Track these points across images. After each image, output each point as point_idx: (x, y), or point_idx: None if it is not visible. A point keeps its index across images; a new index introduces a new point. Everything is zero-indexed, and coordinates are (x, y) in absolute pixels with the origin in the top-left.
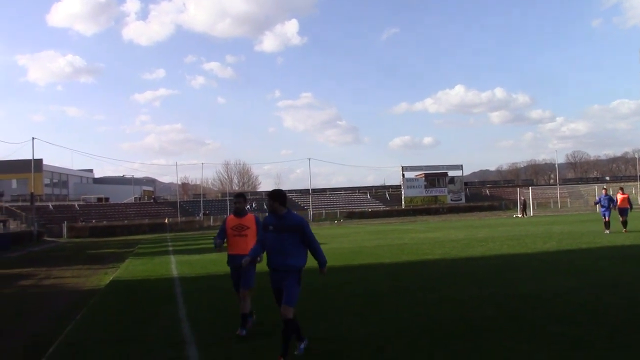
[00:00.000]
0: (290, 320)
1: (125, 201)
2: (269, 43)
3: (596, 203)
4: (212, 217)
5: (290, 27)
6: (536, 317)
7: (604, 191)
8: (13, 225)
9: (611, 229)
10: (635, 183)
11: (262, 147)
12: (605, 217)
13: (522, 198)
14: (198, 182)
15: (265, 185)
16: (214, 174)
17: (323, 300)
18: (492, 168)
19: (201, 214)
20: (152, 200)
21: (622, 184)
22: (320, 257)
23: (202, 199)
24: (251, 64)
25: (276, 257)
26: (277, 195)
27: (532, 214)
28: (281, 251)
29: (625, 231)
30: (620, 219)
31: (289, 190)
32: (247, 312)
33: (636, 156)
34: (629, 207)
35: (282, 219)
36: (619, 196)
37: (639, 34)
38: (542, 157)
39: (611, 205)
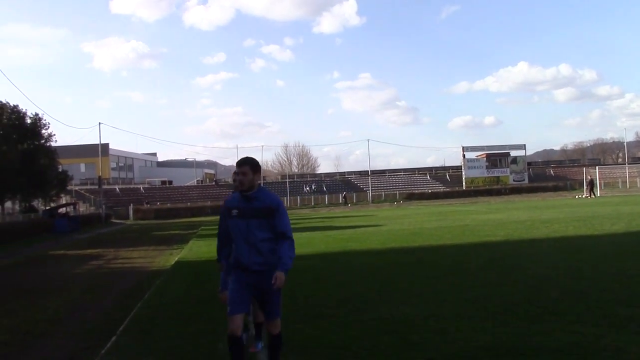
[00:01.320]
0: (279, 334)
1: (187, 184)
2: (327, 24)
3: None
4: None
5: (349, 8)
6: (604, 299)
7: None
8: (82, 208)
9: None
10: None
11: (321, 129)
12: None
13: (589, 177)
14: None
15: (325, 167)
16: (274, 156)
17: (384, 282)
18: (557, 147)
19: None
20: (213, 183)
21: None
22: (283, 256)
23: (262, 182)
24: (309, 45)
25: (246, 253)
26: (249, 163)
27: (599, 194)
28: (253, 245)
29: None
30: None
31: (348, 172)
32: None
33: None
34: None
35: (251, 201)
36: None
37: None
38: (609, 135)
39: None
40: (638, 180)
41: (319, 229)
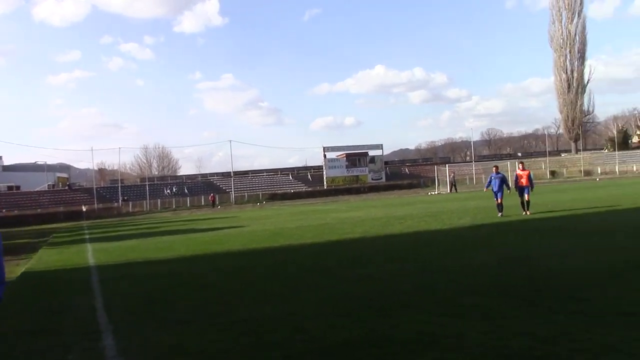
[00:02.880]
0: None
1: (38, 189)
2: (188, 23)
3: (488, 186)
4: (131, 203)
5: (211, 7)
6: (451, 290)
7: (494, 169)
8: None
9: (504, 213)
10: (545, 158)
11: (183, 130)
12: (497, 199)
13: (452, 175)
14: (116, 168)
15: (186, 169)
16: (133, 158)
17: (245, 283)
18: (412, 147)
19: (120, 200)
20: (67, 187)
21: (532, 159)
22: None
23: (119, 185)
24: (170, 44)
25: None
26: None
27: (448, 191)
28: None
29: (528, 213)
30: (519, 199)
31: (210, 174)
32: None
33: (546, 133)
34: (530, 185)
35: None
36: (519, 172)
37: (548, 16)
38: (459, 135)
39: (504, 186)
40: (483, 176)
41: (180, 232)
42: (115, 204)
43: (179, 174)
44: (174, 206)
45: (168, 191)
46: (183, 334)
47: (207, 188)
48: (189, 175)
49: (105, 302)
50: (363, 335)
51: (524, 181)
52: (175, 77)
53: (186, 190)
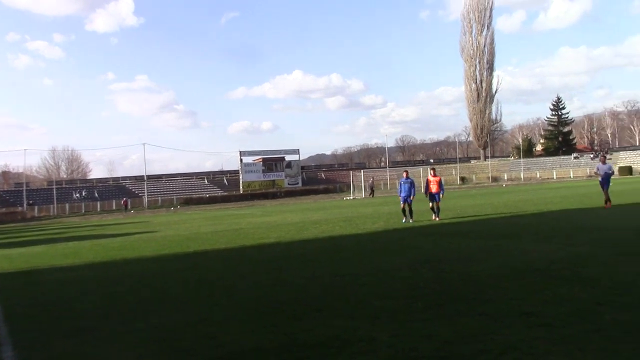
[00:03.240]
0: None
1: None
2: (101, 22)
3: (399, 193)
4: (37, 207)
5: (125, 7)
6: (362, 293)
7: (405, 174)
8: None
9: (414, 218)
10: (456, 165)
11: (94, 132)
12: (403, 203)
13: (371, 179)
14: (21, 170)
15: (98, 172)
16: (40, 160)
17: (156, 290)
18: (328, 152)
19: (25, 205)
20: None
21: (444, 166)
22: None
23: (24, 188)
24: (82, 43)
25: None
26: None
27: (363, 196)
28: None
29: (438, 219)
30: (430, 204)
31: (123, 177)
32: None
33: (456, 140)
34: (440, 191)
35: None
36: (430, 179)
37: (459, 26)
38: (374, 141)
39: (412, 191)
40: (397, 182)
41: (89, 237)
42: (20, 208)
43: (89, 178)
44: (83, 211)
45: (77, 195)
46: (89, 342)
47: (118, 192)
48: (100, 178)
49: (5, 312)
50: (275, 340)
51: (435, 187)
52: (87, 78)
53: (96, 195)
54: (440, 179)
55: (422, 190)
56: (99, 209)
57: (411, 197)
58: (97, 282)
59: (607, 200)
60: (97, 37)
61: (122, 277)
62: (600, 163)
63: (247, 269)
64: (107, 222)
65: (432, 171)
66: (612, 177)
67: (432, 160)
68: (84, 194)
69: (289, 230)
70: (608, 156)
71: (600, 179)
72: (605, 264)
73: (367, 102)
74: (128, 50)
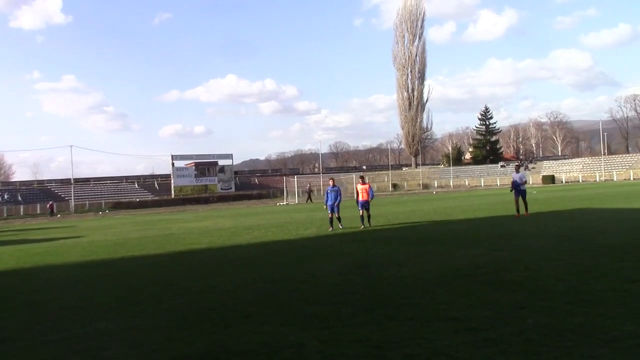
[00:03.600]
0: None
1: None
2: (27, 19)
3: (325, 202)
4: None
5: (52, 4)
6: (293, 299)
7: (331, 182)
8: None
9: (343, 225)
10: (388, 172)
11: (18, 133)
12: (330, 212)
13: (308, 186)
14: None
15: (21, 174)
16: None
17: (81, 297)
18: (262, 157)
19: None
20: None
21: (377, 172)
22: None
23: None
24: (5, 41)
25: None
26: None
27: (297, 202)
28: None
29: (369, 225)
30: (360, 212)
31: (48, 180)
32: None
33: (389, 147)
34: (369, 199)
35: None
36: (360, 187)
37: (392, 35)
38: (308, 147)
39: (338, 199)
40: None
41: (11, 242)
42: None
43: (12, 180)
44: (5, 214)
45: None
46: (8, 353)
47: (44, 195)
48: (24, 181)
49: None
50: (203, 348)
51: (364, 195)
52: (10, 76)
53: (20, 198)
54: (369, 186)
55: (355, 198)
56: (22, 213)
57: (336, 203)
58: (18, 289)
59: (525, 209)
60: (22, 35)
61: (46, 284)
62: (515, 172)
63: (176, 275)
64: (31, 226)
65: (360, 179)
66: (528, 186)
67: (364, 167)
68: (5, 197)
69: (221, 236)
70: (532, 165)
71: (517, 187)
72: (528, 269)
73: (301, 108)
74: (55, 48)
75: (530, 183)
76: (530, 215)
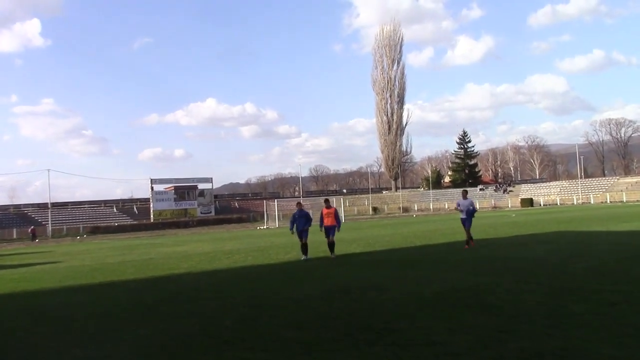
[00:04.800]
0: None
1: None
2: (5, 42)
3: (292, 227)
4: None
5: (31, 27)
6: (273, 324)
7: (298, 206)
8: None
9: (308, 255)
10: (368, 195)
11: None
12: (302, 239)
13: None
14: None
15: None
16: None
17: (54, 324)
18: (242, 181)
19: None
20: None
21: (357, 196)
22: None
23: None
24: None
25: None
26: None
27: (277, 225)
28: None
29: (333, 256)
30: (327, 239)
31: (25, 204)
32: None
33: (369, 171)
34: (336, 224)
35: None
36: (324, 211)
37: (371, 60)
38: (288, 170)
39: (307, 225)
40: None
41: None
42: None
43: None
44: None
45: None
46: None
47: (20, 220)
48: (0, 205)
49: None
50: None
51: (329, 220)
52: None
53: None
54: (335, 211)
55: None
56: None
57: (305, 228)
58: None
59: (469, 239)
60: (0, 58)
61: (21, 311)
62: (462, 198)
63: (155, 300)
64: (6, 251)
65: (325, 203)
66: (507, 209)
67: (345, 190)
68: None
69: (201, 260)
70: (510, 188)
71: (462, 215)
72: (508, 292)
73: (281, 131)
74: (33, 72)
75: (509, 206)
76: (476, 244)
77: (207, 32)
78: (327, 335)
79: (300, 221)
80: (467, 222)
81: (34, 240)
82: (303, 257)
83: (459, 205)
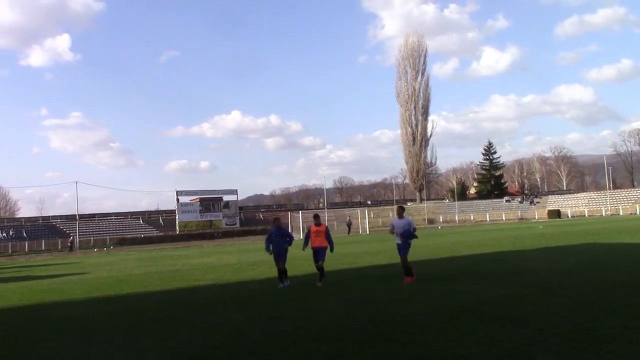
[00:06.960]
0: None
1: None
2: (36, 57)
3: (267, 248)
4: None
5: (62, 42)
6: (298, 336)
7: (275, 221)
8: None
9: (286, 283)
10: (393, 207)
11: (24, 169)
12: (278, 263)
13: (348, 217)
14: None
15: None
16: None
17: (83, 334)
18: (267, 193)
19: None
20: None
21: (381, 207)
22: None
23: None
24: (15, 78)
25: None
26: None
27: (301, 237)
28: None
29: (319, 285)
30: (316, 264)
31: (53, 216)
32: None
33: (393, 182)
34: (327, 246)
35: None
36: (313, 229)
37: (395, 71)
38: (312, 182)
39: (286, 244)
40: (335, 223)
41: (14, 279)
42: None
43: (17, 216)
44: (10, 251)
45: (4, 234)
46: None
47: (48, 232)
48: (29, 217)
49: None
50: None
51: (319, 241)
52: (19, 113)
53: (25, 234)
54: (326, 229)
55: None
56: (26, 249)
57: (284, 246)
58: (20, 326)
59: (409, 271)
60: (31, 72)
61: (48, 321)
62: (397, 217)
63: (181, 312)
64: (35, 262)
65: (314, 219)
66: (534, 220)
67: (369, 202)
68: (10, 233)
69: (226, 272)
70: (537, 199)
71: (397, 240)
72: (536, 304)
73: (305, 143)
74: (63, 86)
75: (536, 217)
76: (417, 280)
77: (232, 45)
78: (352, 347)
79: (278, 241)
80: (403, 248)
81: (71, 250)
82: (280, 285)
83: (393, 227)
